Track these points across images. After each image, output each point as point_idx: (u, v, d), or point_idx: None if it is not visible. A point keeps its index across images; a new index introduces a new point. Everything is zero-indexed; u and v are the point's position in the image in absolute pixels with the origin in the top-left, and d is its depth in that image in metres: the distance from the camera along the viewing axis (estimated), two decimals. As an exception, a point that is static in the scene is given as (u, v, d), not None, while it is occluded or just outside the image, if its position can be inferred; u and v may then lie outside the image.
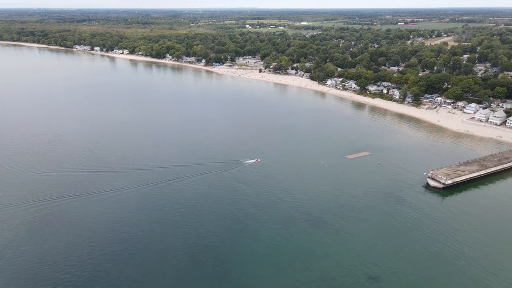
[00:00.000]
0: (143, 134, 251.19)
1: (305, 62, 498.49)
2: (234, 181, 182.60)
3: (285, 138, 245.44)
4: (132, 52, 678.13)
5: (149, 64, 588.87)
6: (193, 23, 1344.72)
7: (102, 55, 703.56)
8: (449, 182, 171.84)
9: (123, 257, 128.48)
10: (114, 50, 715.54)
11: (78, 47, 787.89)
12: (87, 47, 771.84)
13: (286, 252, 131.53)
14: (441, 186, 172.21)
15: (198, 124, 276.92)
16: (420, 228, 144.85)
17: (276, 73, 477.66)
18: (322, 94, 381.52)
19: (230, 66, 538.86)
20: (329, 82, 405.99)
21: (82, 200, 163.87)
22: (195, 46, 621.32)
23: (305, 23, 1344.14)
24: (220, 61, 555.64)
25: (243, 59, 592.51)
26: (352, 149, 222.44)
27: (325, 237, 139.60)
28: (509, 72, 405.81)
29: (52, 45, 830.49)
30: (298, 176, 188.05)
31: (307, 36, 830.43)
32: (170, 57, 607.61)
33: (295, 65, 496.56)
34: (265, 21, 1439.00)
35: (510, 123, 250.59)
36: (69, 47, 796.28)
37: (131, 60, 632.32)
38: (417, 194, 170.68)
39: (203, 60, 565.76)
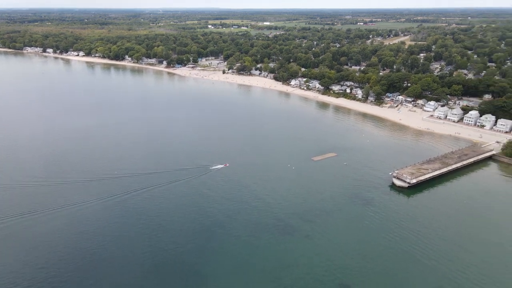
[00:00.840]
0: (103, 142, 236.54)
1: (269, 63, 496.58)
2: (202, 187, 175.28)
3: (252, 141, 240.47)
4: (88, 54, 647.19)
5: (107, 67, 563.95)
6: (153, 23, 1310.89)
7: (56, 58, 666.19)
8: (414, 181, 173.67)
9: (78, 276, 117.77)
10: (69, 52, 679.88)
11: (29, 49, 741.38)
12: (39, 49, 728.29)
13: (255, 262, 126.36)
14: (406, 185, 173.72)
15: (162, 129, 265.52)
16: (388, 228, 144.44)
17: (240, 74, 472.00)
18: (287, 94, 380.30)
19: (192, 67, 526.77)
20: (293, 82, 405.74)
21: (35, 218, 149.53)
22: (155, 47, 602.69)
23: (267, 23, 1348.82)
24: (182, 62, 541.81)
25: (205, 60, 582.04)
26: (318, 150, 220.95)
27: (295, 243, 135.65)
28: (463, 70, 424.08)
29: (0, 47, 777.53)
30: (266, 180, 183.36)
31: (270, 36, 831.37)
32: (130, 58, 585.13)
33: (258, 65, 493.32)
34: (227, 21, 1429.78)
35: (467, 120, 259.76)
36: (18, 49, 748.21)
37: (87, 62, 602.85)
38: (384, 194, 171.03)
39: (165, 62, 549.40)
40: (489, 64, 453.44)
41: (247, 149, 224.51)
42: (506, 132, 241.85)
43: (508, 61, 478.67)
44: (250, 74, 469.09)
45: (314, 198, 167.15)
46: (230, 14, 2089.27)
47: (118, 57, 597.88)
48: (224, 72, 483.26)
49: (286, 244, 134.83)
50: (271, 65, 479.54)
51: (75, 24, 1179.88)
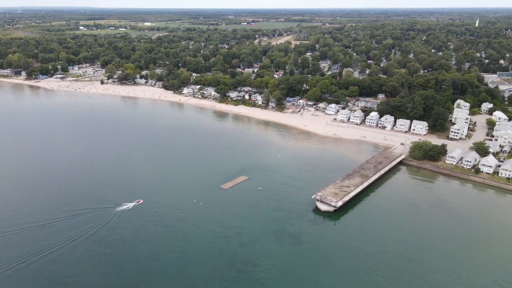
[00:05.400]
0: None
1: (155, 69, 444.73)
2: (94, 249, 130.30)
3: (152, 167, 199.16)
4: None
5: None
6: (9, 25, 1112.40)
7: None
8: (340, 203, 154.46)
9: None
10: None
11: None
12: None
13: None
14: (332, 209, 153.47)
15: (39, 162, 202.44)
16: (327, 272, 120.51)
17: (122, 83, 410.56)
18: (180, 105, 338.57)
19: (62, 78, 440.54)
20: (185, 90, 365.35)
21: None
22: (10, 55, 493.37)
23: (148, 23, 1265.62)
24: (47, 72, 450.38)
25: (78, 68, 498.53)
26: (227, 174, 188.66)
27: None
28: (348, 69, 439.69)
29: None
30: (172, 226, 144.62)
31: (153, 38, 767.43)
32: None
33: (143, 72, 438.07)
34: (102, 22, 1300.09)
35: (369, 122, 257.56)
36: None
37: None
38: (310, 225, 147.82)
39: (23, 73, 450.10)
40: (368, 62, 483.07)
41: (146, 183, 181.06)
42: (405, 131, 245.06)
43: (383, 58, 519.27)
44: (135, 83, 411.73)
45: (233, 245, 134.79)
46: (106, 14, 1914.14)
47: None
48: (102, 82, 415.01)
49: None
50: (158, 71, 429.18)
51: None
